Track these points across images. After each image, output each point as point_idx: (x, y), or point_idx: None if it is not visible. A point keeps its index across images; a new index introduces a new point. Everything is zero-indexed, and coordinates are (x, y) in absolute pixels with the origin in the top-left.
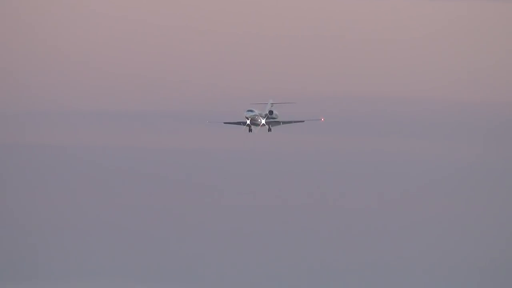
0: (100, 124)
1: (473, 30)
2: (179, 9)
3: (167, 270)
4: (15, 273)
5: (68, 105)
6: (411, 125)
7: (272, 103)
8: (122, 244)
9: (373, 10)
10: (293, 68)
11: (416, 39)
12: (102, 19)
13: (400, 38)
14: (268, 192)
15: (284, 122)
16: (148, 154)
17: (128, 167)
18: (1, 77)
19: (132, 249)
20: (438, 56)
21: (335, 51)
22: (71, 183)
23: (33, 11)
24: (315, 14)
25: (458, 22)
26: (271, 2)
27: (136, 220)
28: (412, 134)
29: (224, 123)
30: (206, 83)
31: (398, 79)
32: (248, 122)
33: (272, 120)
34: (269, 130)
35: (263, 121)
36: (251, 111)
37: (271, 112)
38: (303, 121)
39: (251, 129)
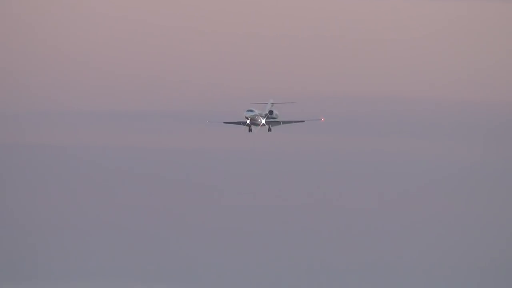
0: (100, 124)
1: (473, 30)
2: (179, 9)
3: (167, 270)
4: (15, 273)
5: (68, 105)
6: (411, 125)
7: (272, 103)
8: (122, 244)
9: (373, 10)
10: (293, 68)
11: (416, 39)
12: (102, 19)
13: (400, 38)
14: (268, 192)
15: (284, 122)
16: (148, 154)
17: (128, 167)
18: (1, 77)
19: (132, 249)
20: (438, 56)
21: (335, 51)
22: (71, 183)
23: (33, 11)
24: (315, 14)
25: (458, 22)
26: (271, 2)
27: (136, 220)
28: (412, 134)
29: (224, 123)
30: (206, 83)
31: (398, 79)
32: (248, 122)
33: (272, 120)
34: (269, 130)
35: (263, 121)
36: (251, 111)
37: (271, 112)
38: (303, 121)
39: (251, 129)
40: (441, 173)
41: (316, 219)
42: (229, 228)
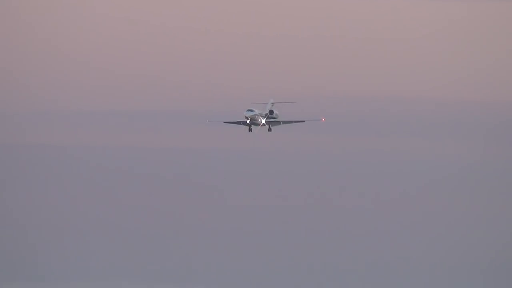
0: (100, 124)
1: (473, 30)
2: (179, 9)
3: (167, 270)
4: (15, 273)
5: (68, 105)
6: (411, 125)
7: (272, 103)
8: (122, 244)
9: (373, 10)
10: (293, 68)
11: (416, 39)
12: (102, 19)
13: (400, 38)
14: (268, 192)
15: (284, 122)
16: (148, 154)
17: (128, 167)
18: (1, 77)
19: (132, 249)
20: (438, 56)
21: (336, 51)
22: (71, 183)
23: (33, 11)
24: (316, 14)
25: (458, 22)
26: (272, 2)
27: (136, 220)
28: (412, 134)
29: (224, 122)
30: (206, 83)
31: (398, 79)
32: (248, 121)
33: (272, 120)
34: (269, 130)
35: (263, 121)
36: (251, 110)
37: (271, 111)
38: (304, 121)
39: (251, 129)
40: (441, 173)
41: (316, 219)
42: (229, 228)
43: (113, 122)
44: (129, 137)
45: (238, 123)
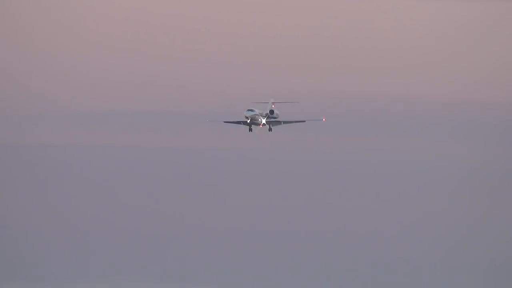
0: (100, 124)
1: (473, 30)
2: (179, 9)
3: (167, 270)
4: (15, 273)
5: (68, 105)
6: (412, 125)
7: (273, 102)
8: (122, 244)
9: (373, 10)
10: (294, 67)
11: (416, 39)
12: (102, 19)
13: (400, 38)
14: (268, 192)
15: (285, 122)
16: (148, 154)
17: (128, 167)
18: (1, 77)
19: (132, 249)
20: (438, 56)
21: (336, 51)
22: (71, 183)
23: (33, 11)
24: (316, 14)
25: (458, 22)
26: (272, 2)
27: (136, 220)
28: (412, 134)
29: (224, 122)
30: (207, 83)
31: (399, 79)
32: (249, 121)
33: (272, 120)
34: (270, 129)
35: (264, 121)
36: (251, 110)
37: (272, 111)
38: (304, 121)
39: (251, 129)
40: (441, 173)
41: (316, 219)
42: (229, 228)
43: (113, 122)
44: (129, 137)
45: (239, 123)
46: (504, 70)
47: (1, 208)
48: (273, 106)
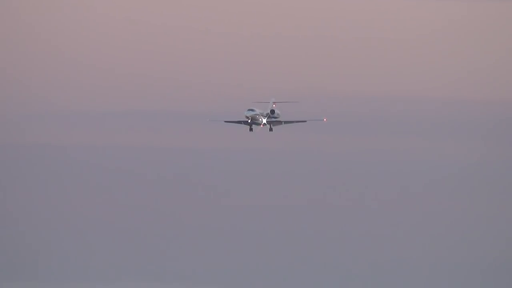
0: (100, 124)
1: (473, 30)
2: (179, 9)
3: (167, 270)
4: (15, 273)
5: (68, 105)
6: (413, 125)
7: (274, 102)
8: (122, 244)
9: (373, 10)
10: (295, 67)
11: (416, 39)
12: (102, 19)
13: (400, 38)
14: (269, 192)
15: (285, 122)
16: (148, 154)
17: (128, 167)
18: (1, 77)
19: (132, 249)
20: (438, 56)
21: (337, 51)
22: (71, 183)
23: (33, 11)
24: (317, 14)
25: (458, 22)
26: (272, 2)
27: (136, 220)
28: (412, 134)
29: (225, 121)
30: (206, 83)
31: (399, 79)
32: (249, 121)
33: (273, 120)
34: (271, 129)
35: (265, 121)
36: (252, 110)
37: (272, 111)
38: (305, 121)
39: (252, 128)
40: (441, 173)
41: (317, 219)
42: (230, 228)
43: (113, 122)
44: (129, 137)
45: (239, 122)
46: (504, 70)
47: (1, 208)
48: (274, 106)
